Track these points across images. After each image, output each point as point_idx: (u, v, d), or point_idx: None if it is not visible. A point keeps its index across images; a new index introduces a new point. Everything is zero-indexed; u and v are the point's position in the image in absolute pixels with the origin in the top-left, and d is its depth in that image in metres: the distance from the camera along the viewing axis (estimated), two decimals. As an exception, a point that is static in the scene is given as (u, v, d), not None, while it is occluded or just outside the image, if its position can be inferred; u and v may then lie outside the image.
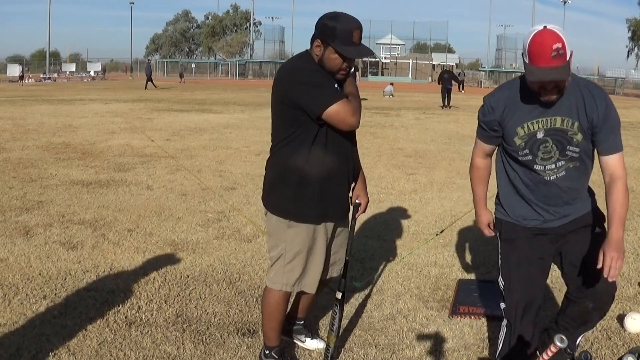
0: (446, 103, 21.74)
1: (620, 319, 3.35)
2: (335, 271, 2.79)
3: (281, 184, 2.55)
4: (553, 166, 2.43)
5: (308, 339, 2.99)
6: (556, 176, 2.46)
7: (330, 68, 2.43)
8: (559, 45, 2.17)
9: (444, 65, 65.76)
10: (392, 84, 34.59)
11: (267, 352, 2.75)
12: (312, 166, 2.46)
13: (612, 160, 2.39)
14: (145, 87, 30.57)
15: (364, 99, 25.70)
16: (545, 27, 2.21)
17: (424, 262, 4.34)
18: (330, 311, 2.77)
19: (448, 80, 22.08)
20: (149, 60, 41.23)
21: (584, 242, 2.53)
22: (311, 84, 2.39)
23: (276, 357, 2.74)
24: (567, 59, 2.19)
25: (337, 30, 2.35)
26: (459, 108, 21.59)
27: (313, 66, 2.45)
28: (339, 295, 2.73)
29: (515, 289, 2.56)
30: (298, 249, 2.56)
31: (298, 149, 2.46)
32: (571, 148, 2.39)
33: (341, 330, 2.86)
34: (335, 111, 2.37)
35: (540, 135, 2.37)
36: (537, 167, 2.44)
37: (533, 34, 2.20)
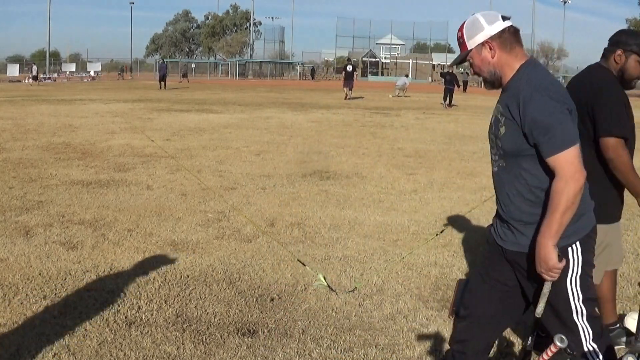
0: (447, 102, 22.07)
1: (621, 318, 3.35)
2: None
3: (603, 193, 2.76)
4: (493, 156, 2.27)
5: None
6: (497, 167, 2.25)
7: (630, 75, 2.85)
8: (460, 34, 2.21)
9: (444, 65, 65.91)
10: (407, 75, 33.37)
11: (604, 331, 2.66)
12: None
13: (553, 162, 2.02)
14: (160, 87, 30.54)
15: (361, 97, 25.79)
16: (473, 14, 2.23)
17: (424, 262, 4.34)
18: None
19: (450, 81, 22.52)
20: (162, 59, 41.01)
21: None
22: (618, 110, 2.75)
23: (619, 328, 3.04)
24: (468, 49, 2.18)
25: None
26: (459, 108, 21.60)
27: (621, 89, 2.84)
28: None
29: None
30: (618, 240, 3.07)
31: (599, 157, 2.76)
32: (497, 141, 2.19)
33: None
34: (611, 146, 2.70)
35: (492, 118, 2.26)
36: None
37: None
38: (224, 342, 3.01)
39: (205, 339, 3.03)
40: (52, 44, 70.33)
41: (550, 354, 1.89)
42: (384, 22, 77.27)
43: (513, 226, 2.19)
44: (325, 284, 3.80)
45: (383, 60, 69.06)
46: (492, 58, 2.16)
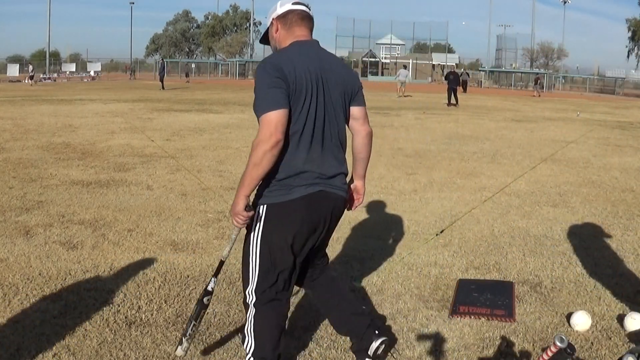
0: (452, 101, 22.42)
1: (620, 319, 3.35)
2: None
3: None
4: None
5: None
6: None
7: None
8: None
9: (444, 65, 65.83)
10: (405, 67, 33.35)
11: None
12: None
13: (258, 122, 2.33)
14: (163, 87, 30.46)
15: None
16: None
17: (424, 262, 4.34)
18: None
19: (453, 81, 22.98)
20: (162, 59, 40.88)
21: None
22: None
23: None
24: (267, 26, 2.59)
25: None
26: (459, 108, 21.61)
27: None
28: None
29: None
30: None
31: None
32: None
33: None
34: None
35: None
36: None
37: None
38: (224, 342, 3.01)
39: (205, 339, 3.03)
40: (52, 44, 70.28)
41: (550, 354, 1.89)
42: (384, 22, 76.98)
43: None
44: (325, 284, 3.80)
45: (383, 60, 69.04)
46: (275, 33, 2.53)
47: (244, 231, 2.61)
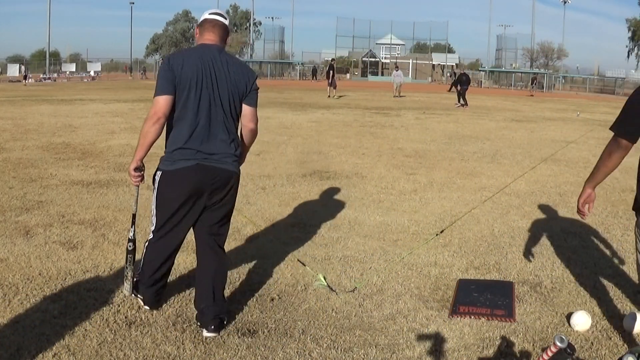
0: (461, 102, 22.47)
1: (621, 319, 3.36)
2: None
3: None
4: None
5: None
6: None
7: None
8: None
9: (444, 65, 65.81)
10: (397, 67, 33.49)
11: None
12: None
13: None
14: None
15: (343, 96, 26.30)
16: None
17: (424, 262, 4.34)
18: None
19: (465, 82, 23.16)
20: (162, 59, 40.99)
21: None
22: None
23: None
24: None
25: None
26: (459, 108, 21.62)
27: None
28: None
29: None
30: None
31: None
32: None
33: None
34: None
35: None
36: None
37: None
38: (224, 342, 3.01)
39: (205, 339, 3.03)
40: (52, 44, 70.22)
41: (550, 354, 1.89)
42: (384, 22, 77.03)
43: None
44: (325, 284, 3.80)
45: (383, 60, 69.05)
46: (195, 37, 3.11)
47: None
